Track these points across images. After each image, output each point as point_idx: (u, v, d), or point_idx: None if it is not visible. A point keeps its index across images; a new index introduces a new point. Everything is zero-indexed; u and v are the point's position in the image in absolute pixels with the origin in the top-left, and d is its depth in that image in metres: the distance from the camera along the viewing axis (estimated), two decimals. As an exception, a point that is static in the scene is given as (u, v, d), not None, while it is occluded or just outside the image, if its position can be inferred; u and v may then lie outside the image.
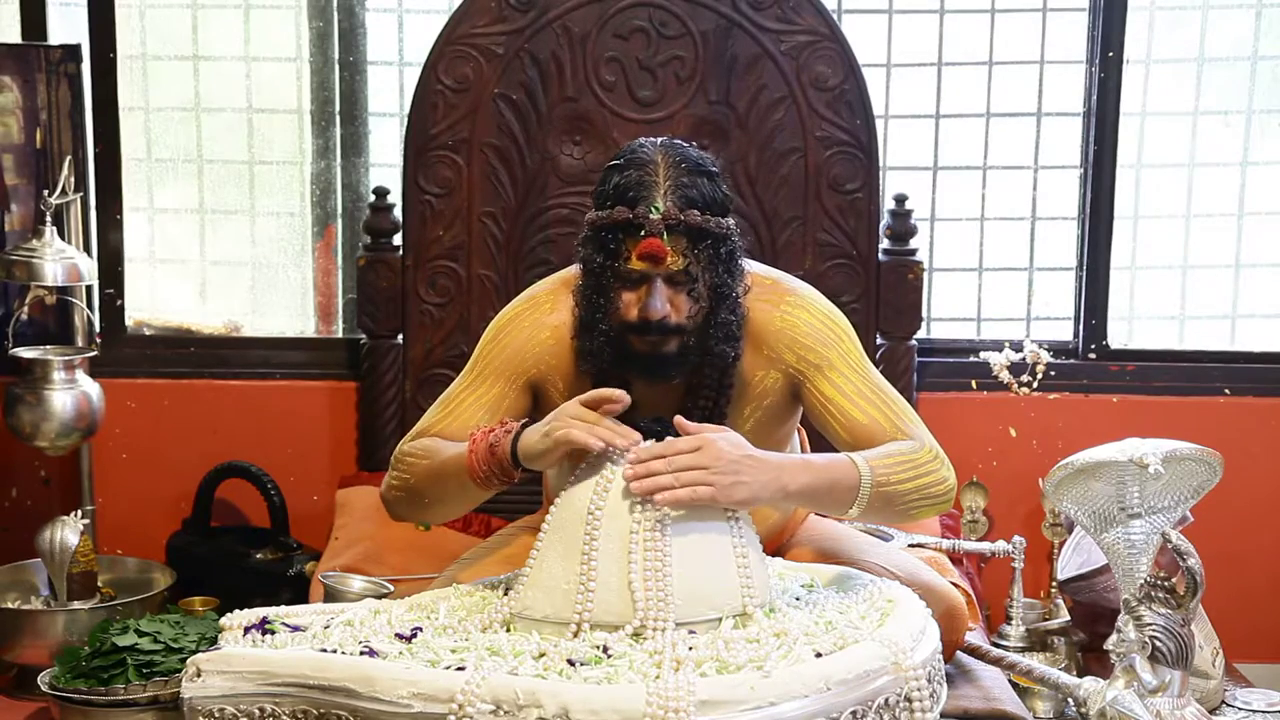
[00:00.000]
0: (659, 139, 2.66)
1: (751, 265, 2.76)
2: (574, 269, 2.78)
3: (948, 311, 4.11)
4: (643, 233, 2.54)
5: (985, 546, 3.55)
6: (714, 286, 2.60)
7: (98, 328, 3.92)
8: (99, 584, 3.61)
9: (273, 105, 4.08)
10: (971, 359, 4.00)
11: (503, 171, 3.75)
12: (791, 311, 2.71)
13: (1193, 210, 4.08)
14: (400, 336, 3.83)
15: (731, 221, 2.63)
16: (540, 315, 2.75)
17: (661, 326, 2.57)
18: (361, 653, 2.34)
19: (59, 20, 3.96)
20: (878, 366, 3.70)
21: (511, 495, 3.12)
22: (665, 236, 2.54)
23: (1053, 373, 3.97)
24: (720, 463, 2.41)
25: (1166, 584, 2.53)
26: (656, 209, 2.54)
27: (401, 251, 3.81)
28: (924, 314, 3.88)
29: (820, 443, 2.93)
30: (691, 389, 2.68)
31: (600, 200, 2.62)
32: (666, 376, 2.64)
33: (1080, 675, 2.98)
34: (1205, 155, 4.06)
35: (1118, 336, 4.05)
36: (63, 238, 3.69)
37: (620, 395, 2.48)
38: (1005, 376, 3.97)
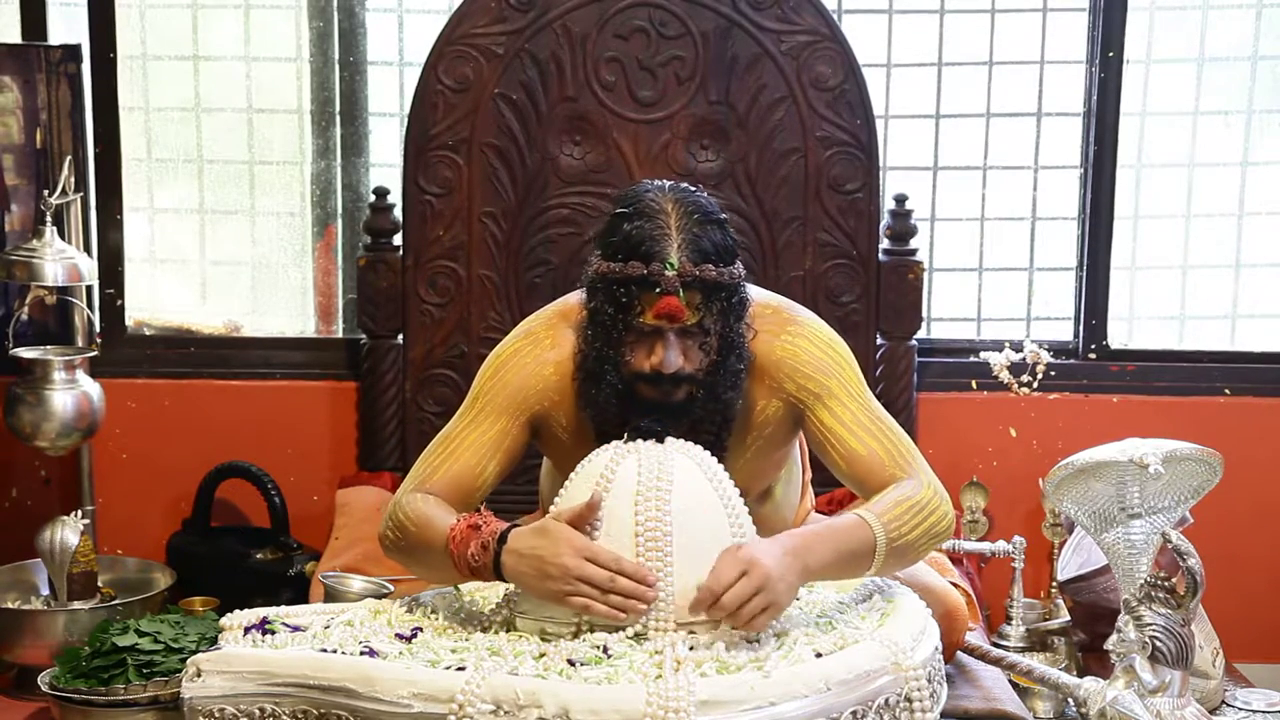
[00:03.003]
0: (666, 184, 2.60)
1: (752, 292, 2.71)
2: (568, 301, 2.74)
3: (948, 311, 4.11)
4: (658, 289, 2.49)
5: (985, 546, 3.55)
6: (724, 335, 2.57)
7: (98, 328, 3.92)
8: (99, 584, 3.61)
9: (273, 105, 4.08)
10: (971, 359, 4.00)
11: (503, 171, 3.75)
12: (793, 341, 2.67)
13: (1193, 210, 4.08)
14: (400, 336, 3.83)
15: (740, 267, 2.59)
16: (541, 351, 2.69)
17: (674, 378, 2.54)
18: (361, 653, 2.35)
19: (59, 20, 3.96)
20: (878, 367, 3.73)
21: (511, 496, 3.13)
22: (681, 293, 2.50)
23: (1053, 373, 3.97)
24: (770, 582, 2.34)
25: (1166, 584, 2.53)
26: (672, 265, 2.49)
27: (401, 251, 3.81)
28: (924, 314, 3.88)
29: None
30: (694, 428, 2.63)
31: (609, 251, 2.55)
32: (674, 423, 2.59)
33: (1080, 675, 2.98)
34: (1205, 155, 4.06)
35: (1118, 336, 4.05)
36: (63, 238, 3.68)
37: (596, 502, 2.41)
38: (1005, 376, 3.97)
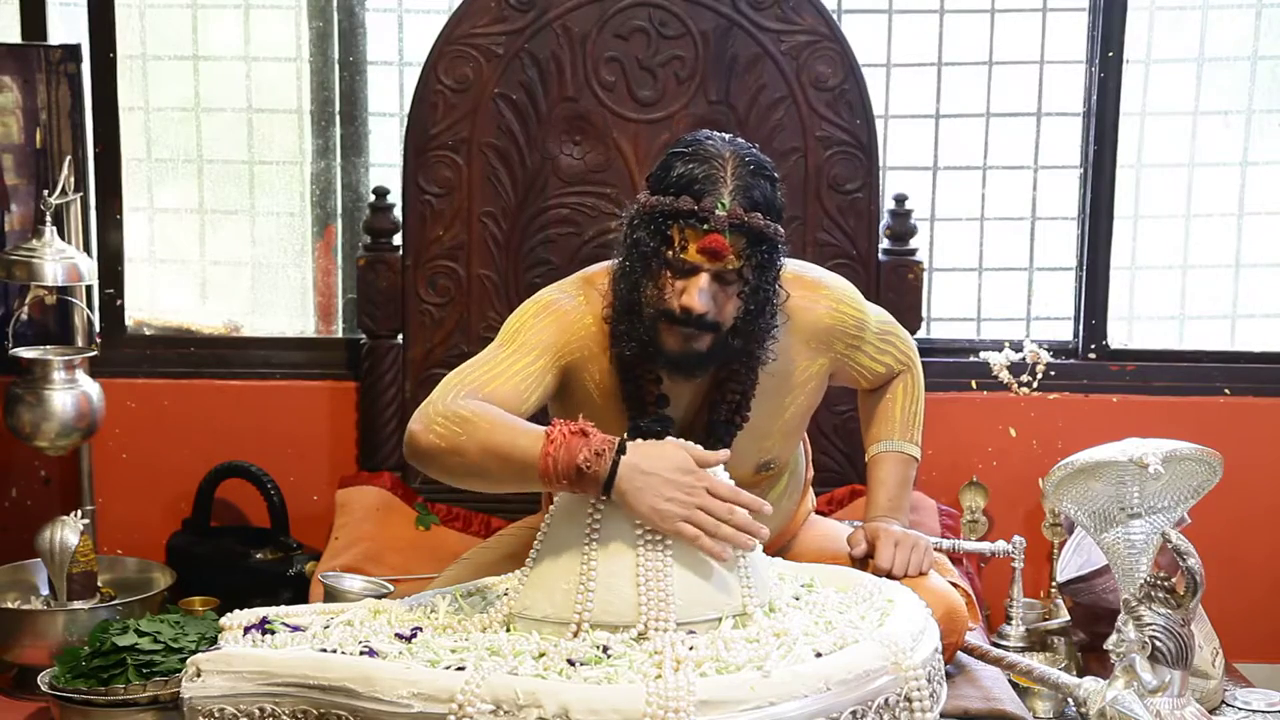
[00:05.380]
0: (724, 135, 2.66)
1: None
2: (591, 270, 2.78)
3: (948, 311, 4.11)
4: (706, 226, 2.54)
5: (985, 546, 3.54)
6: (758, 289, 2.60)
7: (98, 328, 3.92)
8: (99, 584, 3.61)
9: (273, 105, 4.08)
10: (971, 359, 4.00)
11: (503, 171, 3.75)
12: (837, 307, 2.84)
13: (1193, 210, 4.08)
14: (400, 336, 3.83)
15: (782, 231, 2.64)
16: (578, 303, 2.72)
17: (699, 321, 2.57)
18: (361, 653, 2.34)
19: (59, 20, 3.96)
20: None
21: (512, 495, 3.13)
22: (727, 234, 2.54)
23: (1053, 373, 3.97)
24: (910, 538, 2.83)
25: (1166, 584, 2.53)
26: (723, 205, 2.54)
27: (401, 251, 3.81)
28: (924, 314, 3.88)
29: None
30: (719, 383, 2.71)
31: (661, 186, 2.60)
32: (691, 374, 2.65)
33: (1080, 675, 2.98)
34: (1205, 155, 4.06)
35: (1118, 336, 4.05)
36: (63, 238, 3.68)
37: (725, 456, 2.48)
38: (1005, 376, 3.97)
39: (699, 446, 2.45)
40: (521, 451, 2.42)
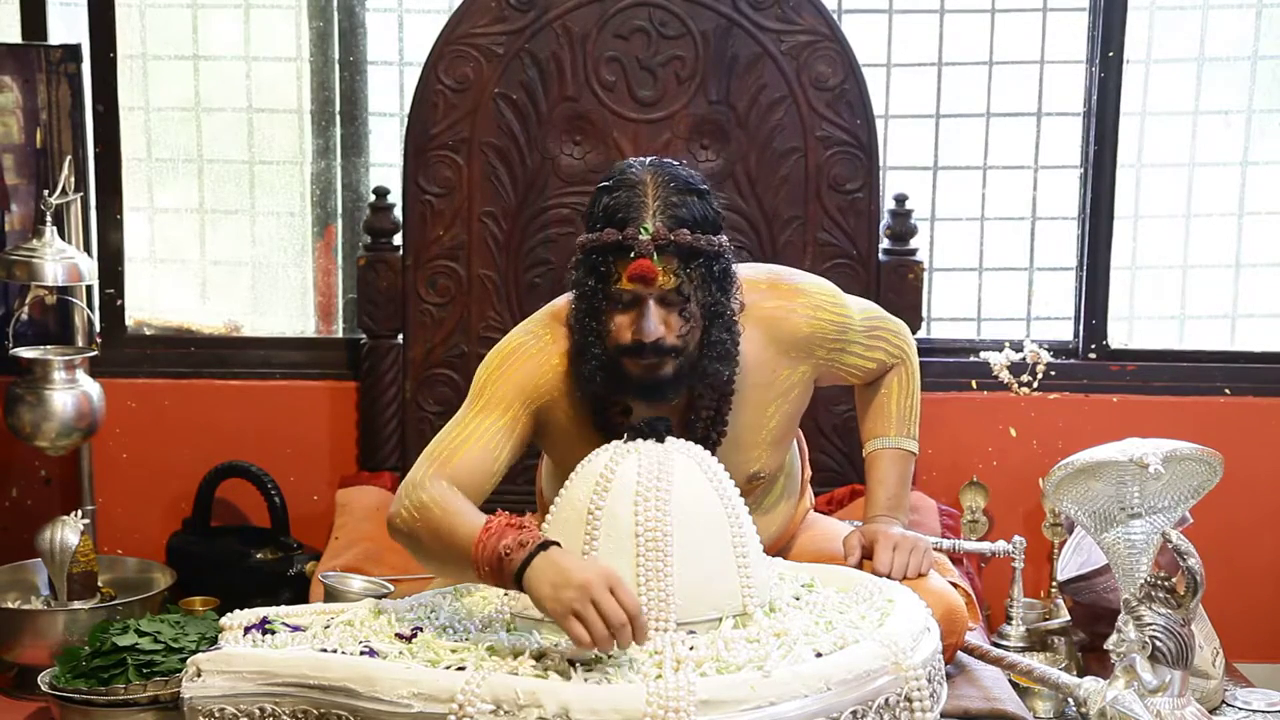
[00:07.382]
0: (648, 159, 2.66)
1: (740, 269, 2.75)
2: (558, 303, 2.77)
3: (948, 311, 4.11)
4: (633, 254, 2.54)
5: (985, 546, 3.54)
6: (707, 305, 2.60)
7: (98, 328, 3.92)
8: (99, 584, 3.61)
9: (273, 105, 4.08)
10: (971, 359, 4.00)
11: (503, 171, 3.75)
12: (815, 314, 2.80)
13: (1193, 210, 4.09)
14: (400, 336, 3.83)
15: (724, 239, 2.63)
16: (544, 344, 2.72)
17: (656, 348, 2.57)
18: (361, 653, 2.35)
19: (59, 20, 3.96)
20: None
21: (511, 495, 3.13)
22: (656, 257, 2.54)
23: (1053, 373, 3.98)
24: (909, 540, 2.80)
25: (1166, 584, 2.53)
26: (646, 230, 2.54)
27: (401, 251, 3.81)
28: (924, 314, 3.88)
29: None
30: (691, 404, 2.69)
31: (590, 222, 2.61)
32: (663, 399, 2.64)
33: (1080, 675, 2.98)
34: (1205, 155, 4.06)
35: (1118, 336, 4.05)
36: (63, 238, 3.69)
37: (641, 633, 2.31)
38: (1005, 376, 3.97)
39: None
40: (461, 539, 2.44)
